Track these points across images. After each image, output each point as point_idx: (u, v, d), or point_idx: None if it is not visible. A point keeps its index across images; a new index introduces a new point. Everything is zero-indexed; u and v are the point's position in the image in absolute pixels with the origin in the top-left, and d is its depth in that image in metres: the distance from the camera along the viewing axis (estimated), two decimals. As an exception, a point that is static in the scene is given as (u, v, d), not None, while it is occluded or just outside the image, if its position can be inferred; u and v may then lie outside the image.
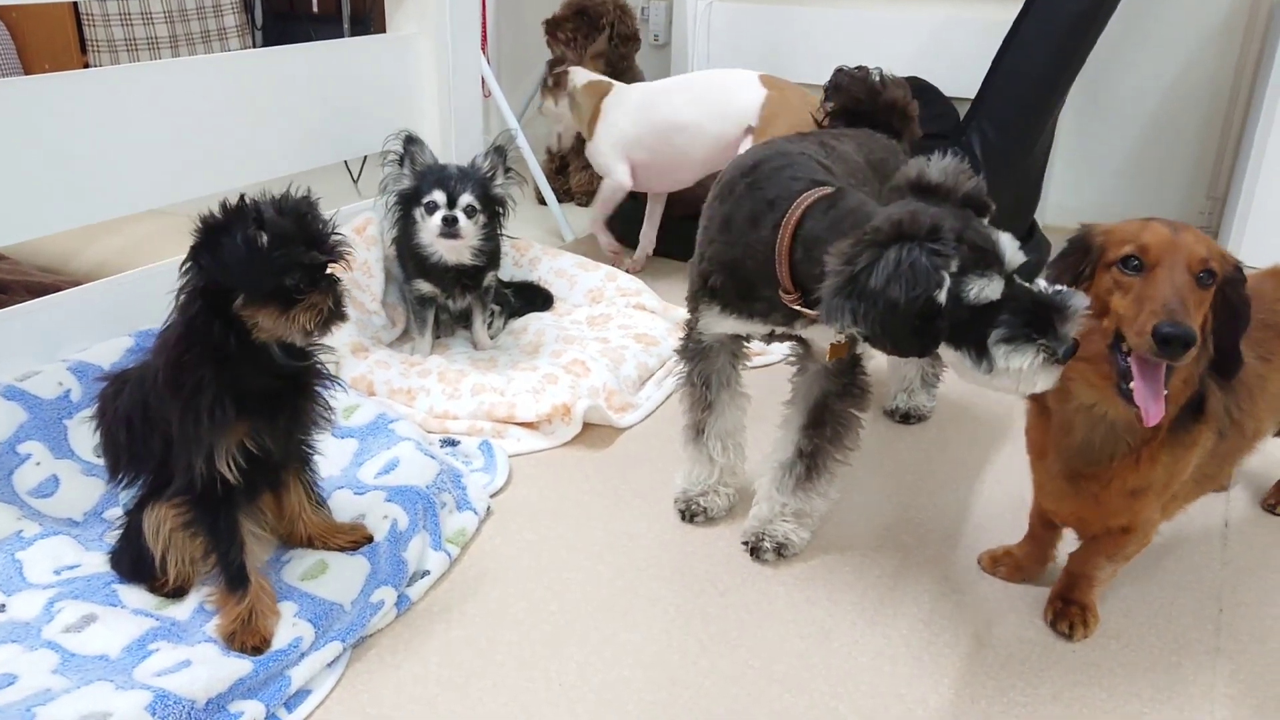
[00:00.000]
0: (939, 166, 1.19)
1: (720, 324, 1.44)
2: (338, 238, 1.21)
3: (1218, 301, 1.12)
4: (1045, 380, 1.10)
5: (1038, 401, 1.26)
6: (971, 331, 1.11)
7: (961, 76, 2.79)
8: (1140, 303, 1.09)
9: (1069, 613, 1.33)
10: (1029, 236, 2.72)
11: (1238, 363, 1.14)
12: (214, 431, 1.17)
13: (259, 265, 1.13)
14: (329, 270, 1.21)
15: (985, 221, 1.16)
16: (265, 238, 1.13)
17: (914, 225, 1.10)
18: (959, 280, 1.09)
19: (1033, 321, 1.09)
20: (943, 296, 1.08)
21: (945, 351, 1.15)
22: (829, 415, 1.44)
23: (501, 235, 2.06)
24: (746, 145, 2.36)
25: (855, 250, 1.12)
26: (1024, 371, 1.10)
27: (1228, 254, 1.13)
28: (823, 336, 1.39)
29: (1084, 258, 1.16)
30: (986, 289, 1.09)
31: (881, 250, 1.10)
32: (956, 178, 1.18)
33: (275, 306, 1.16)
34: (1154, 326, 1.05)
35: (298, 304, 1.16)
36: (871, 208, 1.21)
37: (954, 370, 1.17)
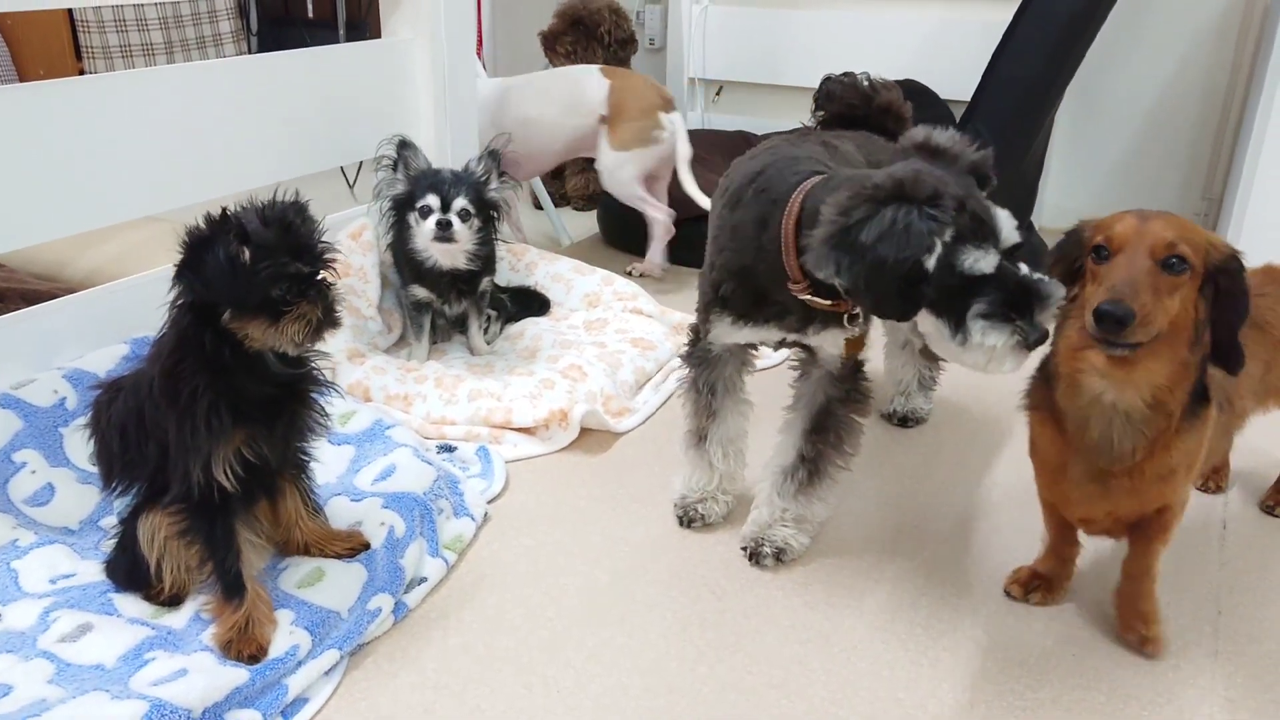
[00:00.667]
0: (946, 134, 1.20)
1: (732, 334, 1.44)
2: (325, 245, 1.20)
3: (1212, 292, 1.12)
4: (1012, 363, 1.12)
5: (1048, 415, 1.24)
6: (955, 301, 1.12)
7: (957, 79, 2.80)
8: (1098, 286, 1.11)
9: (1152, 629, 1.31)
10: (1025, 237, 2.72)
11: (1238, 354, 1.14)
12: (211, 440, 1.17)
13: (242, 280, 1.13)
14: (320, 277, 1.20)
15: (985, 194, 1.16)
16: (248, 252, 1.13)
17: (915, 187, 1.10)
18: (954, 248, 1.09)
19: (1013, 302, 1.10)
20: (932, 262, 1.09)
21: (924, 318, 1.15)
22: (832, 421, 1.44)
23: (497, 240, 2.05)
24: (602, 135, 2.51)
25: (852, 203, 1.12)
26: (996, 350, 1.11)
27: (1219, 243, 1.13)
28: (832, 344, 1.39)
29: (1078, 251, 1.18)
30: (980, 261, 1.09)
31: (879, 207, 1.10)
32: (964, 145, 1.18)
33: (263, 318, 1.15)
34: (1095, 306, 1.06)
35: (285, 315, 1.16)
36: (871, 173, 1.21)
37: (927, 338, 1.18)
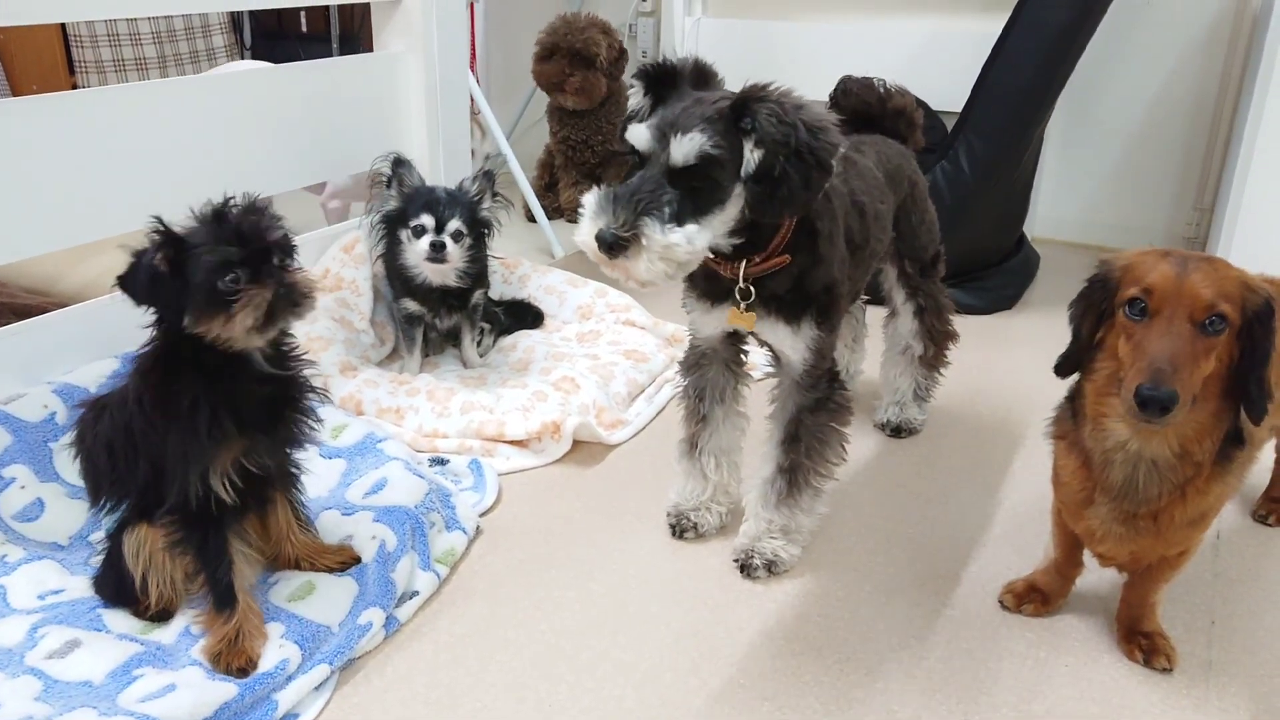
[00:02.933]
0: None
1: (705, 320, 1.45)
2: (271, 227, 1.17)
3: (1245, 339, 1.07)
4: (579, 235, 1.21)
5: (1074, 447, 1.23)
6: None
7: (948, 90, 2.80)
8: (1135, 354, 1.07)
9: (1158, 646, 1.30)
10: (1018, 249, 2.72)
11: (1260, 404, 1.08)
12: (211, 449, 1.16)
13: (169, 285, 1.13)
14: (277, 259, 1.18)
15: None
16: (163, 257, 1.13)
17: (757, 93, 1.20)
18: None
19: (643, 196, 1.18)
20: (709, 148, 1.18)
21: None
22: (803, 430, 1.43)
23: (489, 256, 2.05)
24: None
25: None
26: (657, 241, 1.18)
27: (1255, 285, 1.08)
28: (789, 345, 1.40)
29: (1105, 295, 1.14)
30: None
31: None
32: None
33: (217, 314, 1.14)
34: (1136, 387, 1.03)
35: (234, 304, 1.13)
36: None
37: None
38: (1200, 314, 1.05)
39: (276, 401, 1.24)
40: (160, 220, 1.15)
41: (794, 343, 1.38)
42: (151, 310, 1.17)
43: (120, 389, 1.25)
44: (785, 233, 1.31)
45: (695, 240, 1.20)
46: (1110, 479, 1.18)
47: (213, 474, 1.17)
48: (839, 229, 1.40)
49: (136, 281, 1.15)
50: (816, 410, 1.43)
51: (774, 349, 1.43)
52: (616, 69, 3.08)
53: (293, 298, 1.17)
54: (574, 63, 2.99)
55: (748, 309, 1.36)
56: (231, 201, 1.17)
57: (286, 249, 1.19)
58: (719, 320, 1.43)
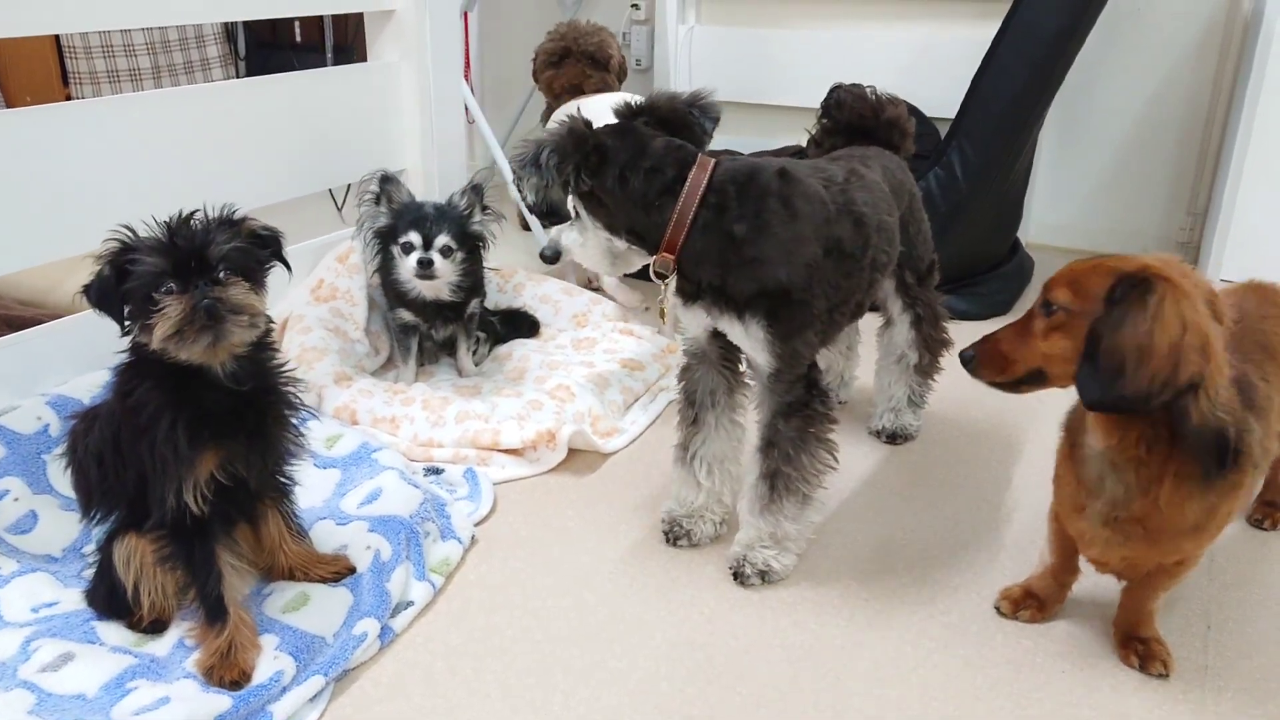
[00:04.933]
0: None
1: (689, 319, 1.46)
2: (210, 236, 1.15)
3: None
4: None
5: (1072, 444, 1.25)
6: None
7: (941, 97, 2.81)
8: None
9: (1154, 652, 1.30)
10: (1012, 254, 2.73)
11: (1084, 385, 1.10)
12: (178, 461, 1.16)
13: (112, 295, 1.15)
14: (219, 275, 1.15)
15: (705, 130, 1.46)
16: (109, 269, 1.14)
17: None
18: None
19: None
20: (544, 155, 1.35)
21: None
22: (778, 436, 1.43)
23: (485, 268, 2.05)
24: None
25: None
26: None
27: (1127, 279, 1.08)
28: (733, 334, 1.41)
29: None
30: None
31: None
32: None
33: (144, 323, 1.14)
34: None
35: (155, 315, 1.12)
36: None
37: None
38: (1041, 298, 1.18)
39: (246, 415, 1.22)
40: (128, 228, 1.16)
41: (750, 343, 1.39)
42: (106, 317, 1.18)
43: (109, 400, 1.25)
44: (675, 235, 1.37)
45: (565, 236, 1.50)
46: (1086, 476, 1.21)
47: (185, 487, 1.17)
48: (797, 236, 1.37)
49: (91, 288, 1.17)
50: (790, 416, 1.42)
51: (738, 346, 1.45)
52: (623, 73, 3.08)
53: (216, 312, 1.12)
54: (590, 66, 2.99)
55: (678, 296, 1.45)
56: (195, 213, 1.17)
57: (231, 263, 1.16)
58: (696, 316, 1.44)
